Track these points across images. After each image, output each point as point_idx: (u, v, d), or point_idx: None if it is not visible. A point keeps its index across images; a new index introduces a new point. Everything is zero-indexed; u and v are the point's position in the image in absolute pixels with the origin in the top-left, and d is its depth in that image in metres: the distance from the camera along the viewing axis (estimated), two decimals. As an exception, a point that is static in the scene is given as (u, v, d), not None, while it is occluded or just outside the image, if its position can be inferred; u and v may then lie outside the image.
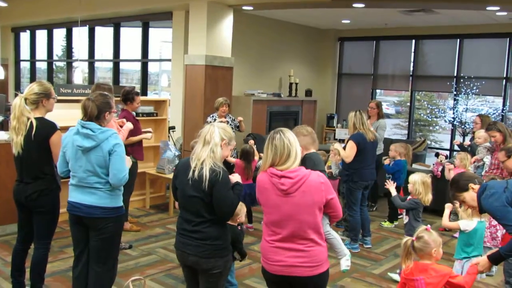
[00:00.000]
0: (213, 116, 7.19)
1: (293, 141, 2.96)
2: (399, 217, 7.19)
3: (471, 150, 6.65)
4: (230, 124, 7.28)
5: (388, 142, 7.70)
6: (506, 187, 3.20)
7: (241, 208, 3.94)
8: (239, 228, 4.06)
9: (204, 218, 3.07)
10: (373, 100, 7.77)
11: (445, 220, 4.31)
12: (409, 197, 4.93)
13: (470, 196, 3.35)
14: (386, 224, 6.97)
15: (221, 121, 7.01)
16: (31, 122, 3.81)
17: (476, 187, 3.34)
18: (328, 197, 2.92)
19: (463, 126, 10.09)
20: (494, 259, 3.22)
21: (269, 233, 2.98)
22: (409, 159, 7.19)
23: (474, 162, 6.22)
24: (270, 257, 2.96)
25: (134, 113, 6.15)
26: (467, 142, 6.84)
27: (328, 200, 2.92)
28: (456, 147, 6.50)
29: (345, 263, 3.38)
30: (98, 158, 3.49)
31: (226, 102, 7.18)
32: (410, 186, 4.89)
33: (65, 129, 3.80)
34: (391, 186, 5.05)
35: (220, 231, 3.12)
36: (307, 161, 3.78)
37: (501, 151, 4.82)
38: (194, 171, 3.04)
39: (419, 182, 4.82)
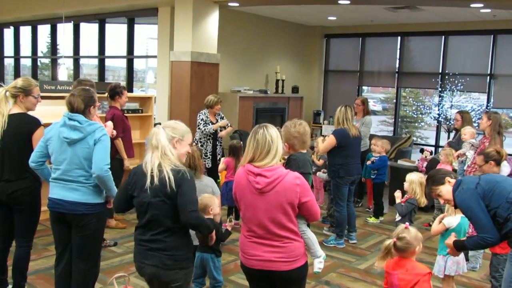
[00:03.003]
0: (205, 114, 7.09)
1: (275, 138, 2.93)
2: (384, 212, 7.26)
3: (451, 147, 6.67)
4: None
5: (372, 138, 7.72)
6: (478, 183, 3.22)
7: (214, 200, 3.93)
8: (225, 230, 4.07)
9: (165, 227, 2.87)
10: (359, 96, 7.80)
11: (434, 227, 4.19)
12: (406, 196, 4.89)
13: (447, 189, 3.39)
14: (372, 219, 7.00)
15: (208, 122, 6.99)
16: (6, 119, 3.77)
17: (453, 181, 3.38)
18: (303, 200, 2.89)
19: (448, 123, 10.17)
20: (458, 246, 3.36)
21: (246, 228, 2.98)
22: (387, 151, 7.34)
23: (458, 157, 6.27)
24: (247, 251, 2.97)
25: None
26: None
27: (302, 203, 2.89)
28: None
29: (318, 265, 3.36)
30: (84, 150, 3.45)
31: (219, 100, 7.14)
32: (406, 185, 4.85)
33: (48, 126, 3.76)
34: (398, 195, 4.93)
35: (182, 241, 2.94)
36: (291, 163, 3.76)
37: (479, 155, 4.78)
38: (152, 177, 2.84)
39: (416, 182, 4.78)
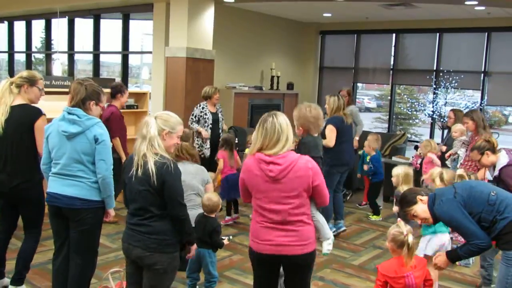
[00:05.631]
0: (202, 106, 7.17)
1: (285, 126, 2.93)
2: (380, 208, 7.27)
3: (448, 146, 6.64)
4: (221, 116, 7.32)
5: (367, 135, 7.74)
6: (455, 192, 3.21)
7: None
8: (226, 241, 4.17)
9: (152, 213, 3.00)
10: (344, 88, 7.80)
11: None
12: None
13: (420, 208, 3.34)
14: (374, 217, 6.97)
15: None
16: (8, 109, 3.76)
17: (425, 198, 3.34)
18: (314, 183, 2.93)
19: (442, 120, 10.21)
20: (452, 257, 3.31)
21: (258, 215, 2.99)
22: (379, 147, 7.32)
23: (450, 156, 6.29)
24: (260, 236, 2.97)
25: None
26: (443, 147, 6.87)
27: (313, 186, 2.93)
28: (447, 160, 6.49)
29: (327, 246, 3.42)
30: (83, 144, 3.44)
31: (216, 89, 7.26)
32: (394, 179, 4.85)
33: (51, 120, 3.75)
34: (395, 208, 4.83)
35: (167, 226, 3.03)
36: (302, 147, 3.76)
37: (472, 150, 4.74)
38: (137, 166, 2.95)
39: (401, 174, 4.81)
